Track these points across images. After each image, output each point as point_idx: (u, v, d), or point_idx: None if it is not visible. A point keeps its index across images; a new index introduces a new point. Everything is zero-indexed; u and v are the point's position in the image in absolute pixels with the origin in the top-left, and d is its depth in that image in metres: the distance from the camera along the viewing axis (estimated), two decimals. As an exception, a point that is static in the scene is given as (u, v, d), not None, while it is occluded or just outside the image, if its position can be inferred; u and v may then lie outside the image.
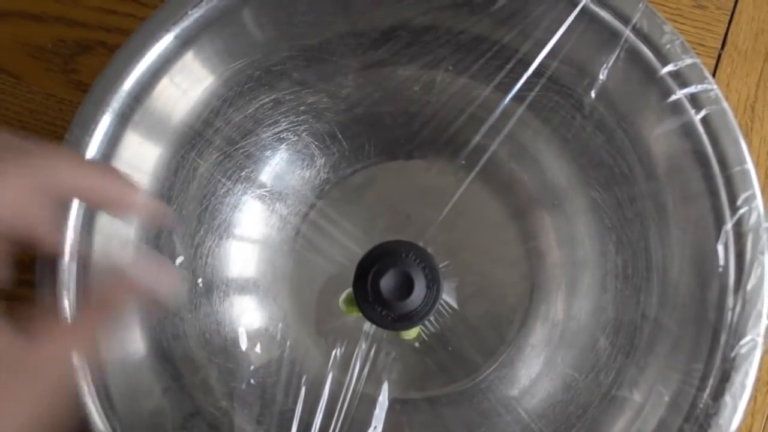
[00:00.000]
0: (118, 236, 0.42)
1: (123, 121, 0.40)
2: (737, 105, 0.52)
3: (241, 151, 0.47)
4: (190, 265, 0.45)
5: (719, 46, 0.52)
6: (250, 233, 0.49)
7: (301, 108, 0.48)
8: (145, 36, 0.39)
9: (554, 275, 0.47)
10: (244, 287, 0.49)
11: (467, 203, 0.45)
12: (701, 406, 0.37)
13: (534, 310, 0.48)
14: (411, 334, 0.45)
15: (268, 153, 0.48)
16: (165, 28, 0.39)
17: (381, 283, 0.38)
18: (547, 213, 0.48)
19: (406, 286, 0.38)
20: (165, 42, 0.39)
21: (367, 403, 0.43)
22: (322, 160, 0.50)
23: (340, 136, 0.49)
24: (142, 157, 0.42)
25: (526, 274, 0.48)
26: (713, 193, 0.38)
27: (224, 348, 0.46)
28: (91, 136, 0.40)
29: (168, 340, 0.43)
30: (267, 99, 0.46)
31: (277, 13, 0.42)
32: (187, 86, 0.42)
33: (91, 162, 0.39)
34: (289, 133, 0.49)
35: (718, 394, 0.37)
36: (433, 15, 0.42)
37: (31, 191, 0.29)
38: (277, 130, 0.48)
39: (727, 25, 0.52)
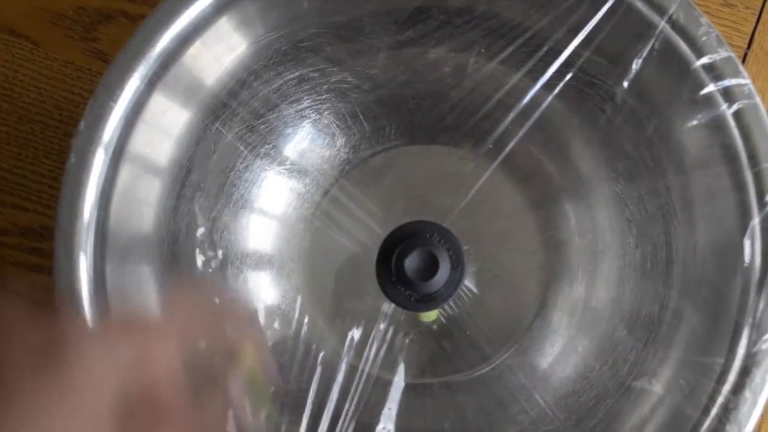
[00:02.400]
0: (137, 202, 0.42)
1: (150, 86, 0.40)
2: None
3: (264, 125, 0.46)
4: (208, 238, 0.45)
5: (746, 46, 0.52)
6: (268, 209, 0.49)
7: (325, 86, 0.47)
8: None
9: (572, 265, 0.47)
10: (258, 263, 0.48)
11: (487, 190, 0.45)
12: (721, 399, 0.37)
13: (551, 298, 0.47)
14: (430, 316, 0.45)
15: (289, 130, 0.48)
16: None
17: (406, 263, 0.38)
18: (569, 203, 0.48)
19: (430, 267, 0.38)
20: (203, 3, 0.39)
21: (383, 385, 0.42)
22: (343, 140, 0.50)
23: (361, 116, 0.49)
24: (166, 123, 0.41)
25: (543, 263, 0.48)
26: (741, 188, 0.38)
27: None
28: (115, 101, 0.39)
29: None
30: (292, 75, 0.46)
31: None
32: (219, 52, 0.41)
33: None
34: (311, 111, 0.48)
35: (738, 388, 0.37)
36: (468, -4, 0.42)
37: None
38: (300, 107, 0.48)
39: (754, 25, 0.52)
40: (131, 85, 0.39)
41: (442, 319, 0.46)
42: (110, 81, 0.39)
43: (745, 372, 0.37)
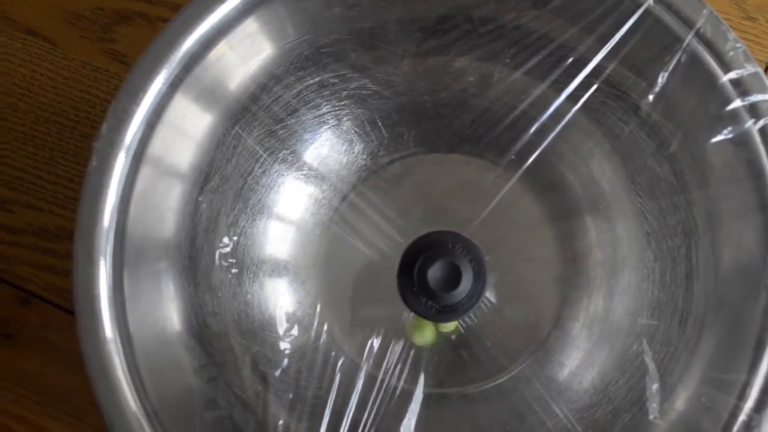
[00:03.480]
0: (156, 207, 0.41)
1: (172, 89, 0.40)
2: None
3: (283, 130, 0.46)
4: (226, 243, 0.44)
5: (767, 60, 0.52)
6: (285, 215, 0.49)
7: (345, 92, 0.47)
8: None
9: (591, 278, 0.47)
10: (275, 269, 0.48)
11: (507, 201, 0.45)
12: (743, 417, 0.37)
13: (569, 310, 0.47)
14: (449, 326, 0.45)
15: (308, 135, 0.48)
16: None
17: (429, 273, 0.38)
18: (589, 216, 0.47)
19: (453, 278, 0.38)
20: (230, 5, 0.39)
21: (402, 394, 0.42)
22: (361, 146, 0.50)
23: (380, 123, 0.49)
24: (188, 127, 0.41)
25: (562, 275, 0.48)
26: (765, 205, 0.38)
27: (253, 330, 0.45)
28: (138, 105, 0.39)
29: (200, 318, 0.42)
30: (312, 80, 0.46)
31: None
32: (243, 55, 0.41)
33: None
34: (330, 117, 0.48)
35: (760, 405, 0.37)
36: (493, 6, 0.41)
37: None
38: (319, 112, 0.47)
39: (776, 39, 0.52)
40: (154, 88, 0.39)
41: (461, 329, 0.46)
42: (133, 84, 0.39)
43: (768, 389, 0.37)
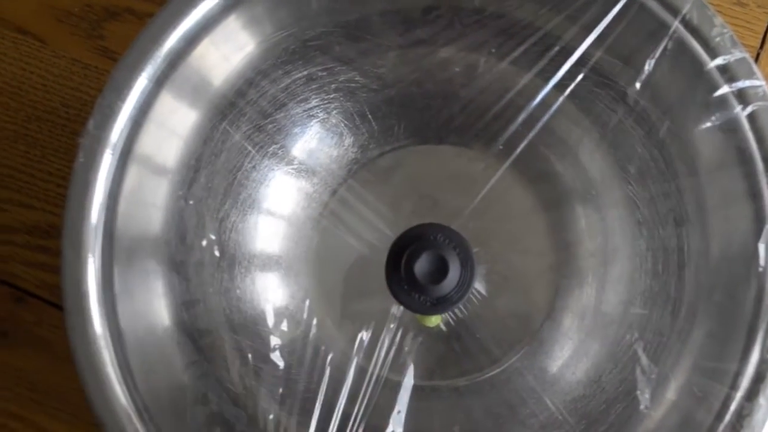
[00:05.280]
0: (144, 203, 0.41)
1: (158, 85, 0.39)
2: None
3: (271, 125, 0.46)
4: (216, 239, 0.44)
5: (758, 45, 0.51)
6: (275, 209, 0.49)
7: (333, 86, 0.47)
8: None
9: (583, 267, 0.47)
10: (266, 264, 0.48)
11: (497, 191, 0.45)
12: (734, 405, 0.37)
13: (561, 301, 0.47)
14: (432, 321, 0.44)
15: (297, 129, 0.48)
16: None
17: (415, 268, 0.37)
18: (579, 205, 0.47)
19: (440, 269, 0.38)
20: (211, 2, 0.39)
21: (392, 387, 0.42)
22: (351, 140, 0.50)
23: (370, 116, 0.49)
24: (174, 123, 0.41)
25: (553, 265, 0.47)
26: (755, 192, 0.38)
27: (245, 325, 0.45)
28: (123, 101, 0.39)
29: (191, 314, 0.42)
30: (300, 74, 0.45)
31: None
32: (227, 51, 0.41)
33: None
34: (319, 110, 0.48)
35: (752, 394, 0.36)
36: (478, -5, 0.41)
37: None
38: (308, 106, 0.47)
39: (767, 25, 0.51)
40: (139, 84, 0.39)
41: (451, 321, 0.46)
42: (118, 80, 0.39)
43: (759, 378, 0.37)
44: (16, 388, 0.52)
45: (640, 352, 0.42)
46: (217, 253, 0.45)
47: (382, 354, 0.42)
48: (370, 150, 0.50)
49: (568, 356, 0.45)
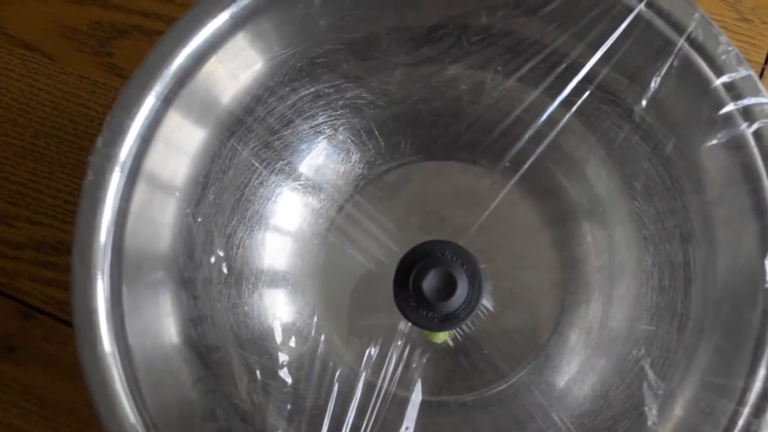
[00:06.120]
0: (153, 220, 0.41)
1: (166, 103, 0.40)
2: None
3: (279, 141, 0.46)
4: (224, 255, 0.45)
5: (763, 61, 0.52)
6: (282, 225, 0.49)
7: (340, 102, 0.47)
8: (199, 13, 0.39)
9: (589, 283, 0.47)
10: (273, 280, 0.48)
11: (504, 207, 0.45)
12: (742, 422, 0.37)
13: (567, 317, 0.47)
14: (440, 337, 0.44)
15: (304, 146, 0.48)
16: (222, 6, 0.39)
17: (423, 285, 0.38)
18: (585, 221, 0.47)
19: (448, 286, 0.38)
20: (219, 21, 0.39)
21: (400, 403, 0.42)
22: (358, 156, 0.50)
23: (376, 132, 0.49)
24: (182, 141, 0.41)
25: (560, 281, 0.48)
26: (761, 209, 0.38)
27: (252, 341, 0.45)
28: (132, 119, 0.39)
29: (199, 330, 0.42)
30: (307, 91, 0.46)
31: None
32: (235, 69, 0.41)
33: None
34: (326, 127, 0.48)
35: (759, 410, 0.37)
36: (484, 14, 0.41)
37: None
38: (315, 123, 0.47)
39: (772, 41, 0.52)
40: (148, 102, 0.39)
41: (458, 336, 0.46)
42: (127, 99, 0.39)
43: (767, 394, 0.37)
44: (24, 403, 0.52)
45: (647, 367, 0.42)
46: (224, 270, 0.45)
47: (390, 369, 0.42)
48: (376, 166, 0.50)
49: (575, 371, 0.46)
